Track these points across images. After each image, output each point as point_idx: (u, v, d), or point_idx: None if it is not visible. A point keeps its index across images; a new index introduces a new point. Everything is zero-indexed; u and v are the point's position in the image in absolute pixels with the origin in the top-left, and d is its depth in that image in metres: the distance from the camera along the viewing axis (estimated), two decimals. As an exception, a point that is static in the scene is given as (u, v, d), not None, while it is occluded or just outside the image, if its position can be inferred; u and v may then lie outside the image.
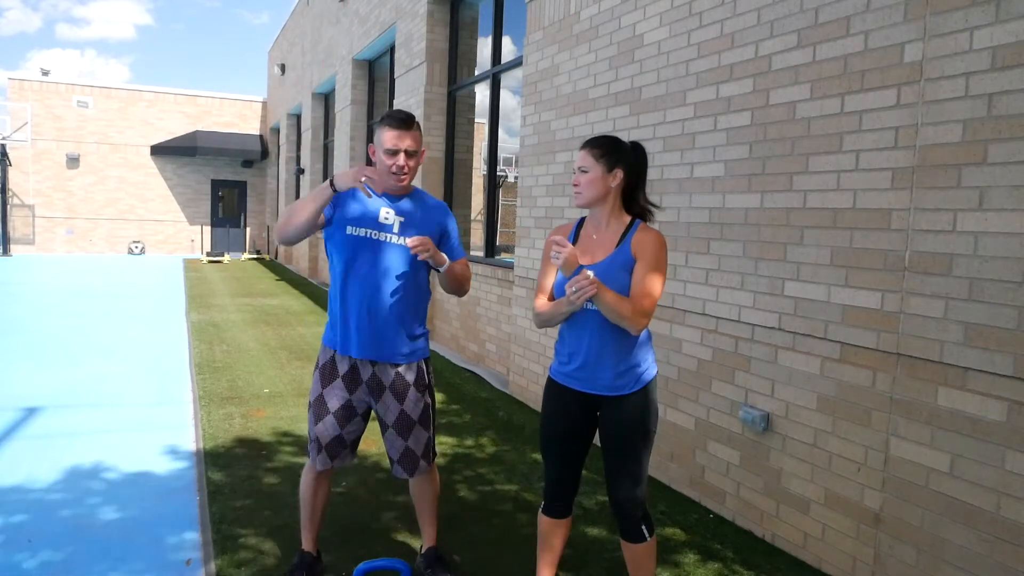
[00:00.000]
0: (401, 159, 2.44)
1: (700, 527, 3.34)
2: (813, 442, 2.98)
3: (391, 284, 2.50)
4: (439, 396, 5.44)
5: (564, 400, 2.33)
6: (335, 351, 2.56)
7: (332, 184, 2.37)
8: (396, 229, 2.51)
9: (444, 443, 4.39)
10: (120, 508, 3.36)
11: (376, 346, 2.51)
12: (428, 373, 2.68)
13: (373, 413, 2.67)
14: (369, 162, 2.79)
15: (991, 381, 2.32)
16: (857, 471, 2.79)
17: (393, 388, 2.56)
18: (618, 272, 2.17)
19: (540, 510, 2.47)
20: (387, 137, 2.44)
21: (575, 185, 2.26)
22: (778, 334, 3.15)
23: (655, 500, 3.62)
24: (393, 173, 2.46)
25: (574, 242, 2.30)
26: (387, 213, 2.51)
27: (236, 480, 3.66)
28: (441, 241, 2.60)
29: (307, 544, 2.73)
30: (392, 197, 2.55)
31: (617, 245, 2.22)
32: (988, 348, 2.33)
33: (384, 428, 2.63)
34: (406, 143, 2.43)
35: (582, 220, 2.36)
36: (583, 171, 2.25)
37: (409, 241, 2.40)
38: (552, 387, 2.38)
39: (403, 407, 2.58)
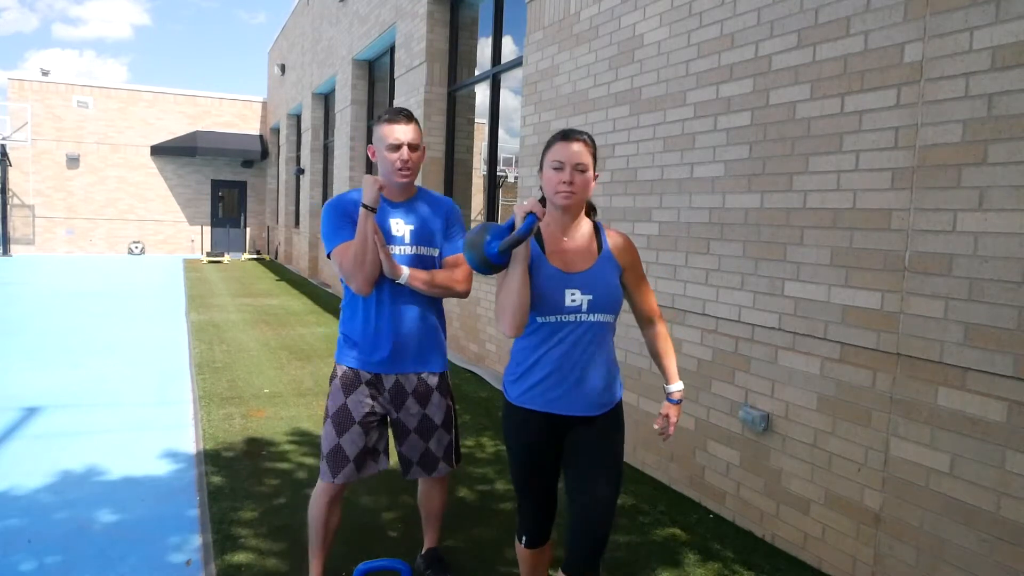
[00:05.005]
0: (405, 153, 2.38)
1: (700, 527, 3.34)
2: (813, 442, 2.98)
3: (411, 297, 2.43)
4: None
5: (536, 427, 2.10)
6: (356, 368, 2.47)
7: (366, 207, 2.30)
8: (408, 240, 2.44)
9: (444, 443, 4.39)
10: (119, 509, 3.36)
11: (401, 361, 2.46)
12: (448, 379, 2.62)
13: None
14: (368, 165, 2.73)
15: (991, 381, 2.32)
16: (857, 471, 2.79)
17: (416, 394, 2.50)
18: (609, 276, 2.06)
19: (521, 544, 2.27)
20: (387, 132, 2.38)
21: (569, 184, 1.98)
22: (778, 334, 3.15)
23: (655, 500, 3.62)
24: (398, 169, 2.39)
25: (542, 249, 2.04)
26: (397, 224, 2.44)
27: (236, 481, 3.66)
28: (447, 235, 2.52)
29: (316, 572, 2.59)
30: (398, 204, 2.47)
31: (599, 251, 2.08)
32: (988, 348, 2.33)
33: (404, 435, 2.53)
34: (409, 136, 2.39)
35: (531, 225, 1.87)
36: (581, 170, 2.00)
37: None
38: (517, 415, 2.12)
39: (426, 411, 2.52)
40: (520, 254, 1.93)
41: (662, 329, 2.22)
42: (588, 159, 2.02)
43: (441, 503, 2.75)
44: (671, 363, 2.21)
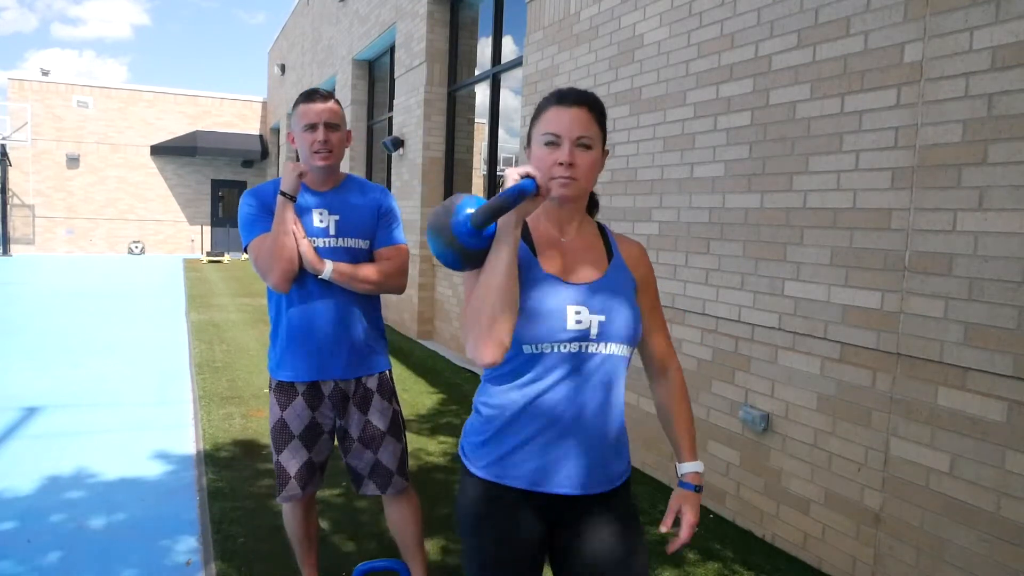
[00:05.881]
0: (321, 133, 2.19)
1: (700, 527, 3.33)
2: (813, 442, 2.98)
3: (340, 294, 2.23)
4: (439, 396, 5.44)
5: (513, 513, 1.43)
6: (290, 379, 2.29)
7: (285, 195, 2.15)
8: (332, 231, 2.25)
9: (444, 443, 4.39)
10: (119, 509, 3.36)
11: (335, 365, 2.26)
12: (391, 381, 2.42)
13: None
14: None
15: (991, 381, 2.32)
16: (857, 471, 2.79)
17: (356, 399, 2.31)
18: (625, 291, 1.48)
19: None
20: (303, 112, 2.21)
21: (568, 165, 1.38)
22: (778, 334, 3.15)
23: (655, 500, 3.62)
24: (316, 152, 2.20)
25: (531, 250, 1.45)
26: (320, 215, 2.25)
27: (236, 480, 3.66)
28: (378, 226, 2.33)
29: None
30: (322, 192, 2.28)
31: (609, 258, 1.51)
32: (988, 348, 2.33)
33: (349, 445, 2.33)
34: (325, 116, 2.20)
35: (524, 189, 1.26)
36: (584, 145, 1.40)
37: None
38: (483, 495, 1.44)
39: (368, 417, 2.31)
40: (507, 233, 1.30)
41: (679, 381, 1.58)
42: (594, 129, 1.42)
43: (417, 524, 2.44)
44: (688, 434, 1.55)
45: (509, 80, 7.11)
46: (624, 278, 1.49)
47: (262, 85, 42.04)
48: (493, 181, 7.32)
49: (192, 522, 3.23)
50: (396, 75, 9.19)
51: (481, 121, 7.83)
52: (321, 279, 2.20)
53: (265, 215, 2.22)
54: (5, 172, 19.57)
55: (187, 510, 3.35)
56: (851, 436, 2.81)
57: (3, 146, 19.24)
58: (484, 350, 1.29)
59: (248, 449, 4.14)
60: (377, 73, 11.69)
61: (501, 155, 7.60)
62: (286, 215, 2.14)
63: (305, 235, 2.18)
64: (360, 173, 11.53)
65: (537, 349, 1.38)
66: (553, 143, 1.40)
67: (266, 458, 4.00)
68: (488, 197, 7.97)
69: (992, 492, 2.32)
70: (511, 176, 1.25)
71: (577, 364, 1.39)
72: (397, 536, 2.47)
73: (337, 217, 2.26)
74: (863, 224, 2.75)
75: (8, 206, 19.69)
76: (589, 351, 1.40)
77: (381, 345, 2.38)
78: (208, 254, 20.04)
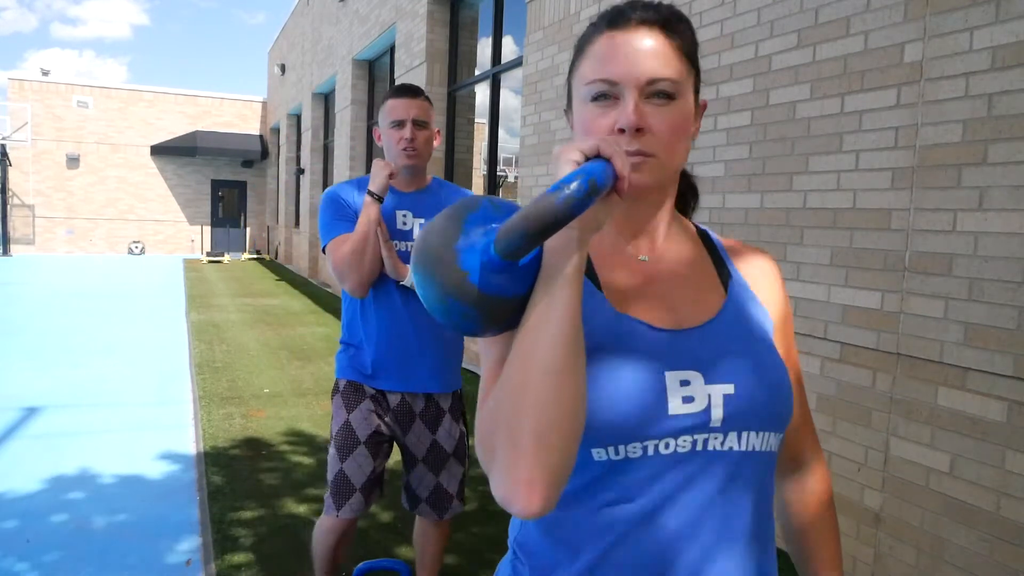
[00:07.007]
0: (408, 131, 2.08)
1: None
2: (813, 442, 2.98)
3: (420, 302, 2.11)
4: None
5: None
6: (359, 382, 2.17)
7: (372, 195, 2.03)
8: (416, 235, 2.13)
9: (444, 443, 4.40)
10: (119, 509, 3.36)
11: (408, 376, 2.13)
12: (462, 401, 2.30)
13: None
14: (367, 163, 2.45)
15: (991, 381, 2.32)
16: (857, 471, 2.79)
17: (424, 416, 2.18)
18: (765, 339, 0.86)
19: None
20: (391, 107, 2.11)
21: (636, 132, 0.77)
22: (778, 334, 3.15)
23: None
24: (403, 149, 2.10)
25: (592, 279, 0.83)
26: (404, 217, 2.13)
27: (236, 480, 3.66)
28: None
29: None
30: (407, 194, 2.17)
31: (724, 282, 0.89)
32: (988, 348, 2.33)
33: (412, 463, 2.22)
34: (413, 112, 2.09)
35: (600, 178, 0.64)
36: (663, 94, 0.79)
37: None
38: None
39: (436, 437, 2.19)
40: (563, 262, 0.68)
41: (825, 488, 0.98)
42: (676, 65, 0.80)
43: (440, 546, 2.34)
44: (832, 551, 0.96)
45: (509, 80, 7.11)
46: (754, 312, 0.88)
47: (262, 85, 42.09)
48: (493, 181, 7.32)
49: (192, 522, 3.23)
50: (396, 75, 9.19)
51: (481, 121, 7.83)
52: (402, 286, 2.08)
53: (348, 215, 2.10)
54: (5, 172, 19.58)
55: (187, 510, 3.35)
56: (851, 436, 2.81)
57: (3, 146, 19.25)
58: (526, 490, 0.66)
59: (248, 449, 4.15)
60: (377, 73, 11.69)
61: (501, 155, 7.60)
62: (372, 216, 2.02)
63: (389, 238, 2.06)
64: (361, 173, 11.52)
65: (619, 454, 0.76)
66: (606, 96, 0.80)
67: (266, 458, 4.00)
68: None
69: (992, 492, 2.32)
70: (567, 157, 0.67)
71: (694, 472, 0.77)
72: (419, 551, 2.37)
73: (422, 220, 2.15)
74: (863, 224, 2.75)
75: (8, 206, 19.70)
76: (712, 448, 0.78)
77: (457, 361, 2.25)
78: (208, 254, 20.05)
